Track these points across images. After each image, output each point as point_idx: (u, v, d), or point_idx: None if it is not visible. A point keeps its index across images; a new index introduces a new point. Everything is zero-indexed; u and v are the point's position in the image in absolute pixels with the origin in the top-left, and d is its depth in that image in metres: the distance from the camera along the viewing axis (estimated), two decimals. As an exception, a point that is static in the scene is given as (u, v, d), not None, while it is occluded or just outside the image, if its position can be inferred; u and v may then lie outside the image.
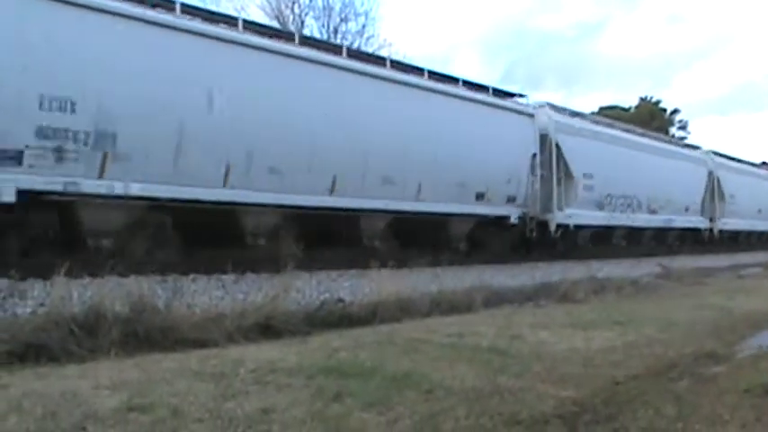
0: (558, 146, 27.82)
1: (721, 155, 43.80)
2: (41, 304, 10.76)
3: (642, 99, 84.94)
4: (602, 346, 10.97)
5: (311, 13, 44.67)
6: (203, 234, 16.68)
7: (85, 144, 14.40)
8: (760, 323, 14.94)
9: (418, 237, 22.40)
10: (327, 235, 19.82)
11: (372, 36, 45.61)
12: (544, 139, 27.46)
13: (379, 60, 22.67)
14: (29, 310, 10.66)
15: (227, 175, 16.78)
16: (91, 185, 14.60)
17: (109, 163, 14.75)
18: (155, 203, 15.72)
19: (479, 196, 24.41)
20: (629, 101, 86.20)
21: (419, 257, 20.01)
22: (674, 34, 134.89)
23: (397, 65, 23.14)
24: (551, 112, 28.63)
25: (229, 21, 18.27)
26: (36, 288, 11.80)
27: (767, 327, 14.79)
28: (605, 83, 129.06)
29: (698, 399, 8.03)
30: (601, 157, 30.11)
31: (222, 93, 16.60)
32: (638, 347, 11.00)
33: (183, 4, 16.71)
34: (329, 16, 44.55)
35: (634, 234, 34.28)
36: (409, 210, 21.63)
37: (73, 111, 14.12)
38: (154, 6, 16.07)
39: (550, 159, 27.58)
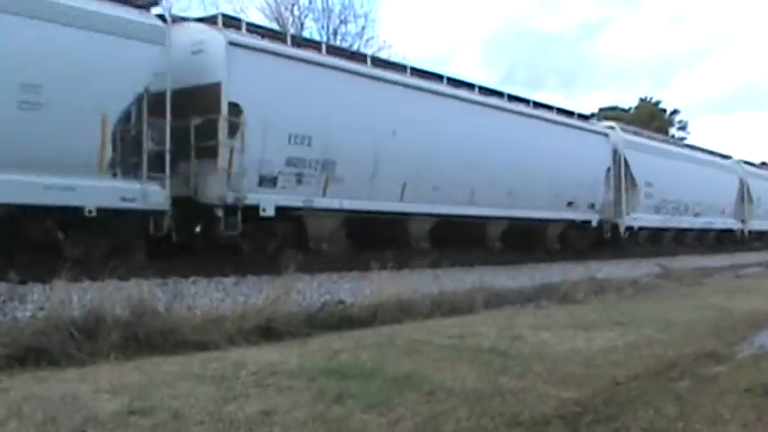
0: (626, 160, 32.93)
1: (749, 163, 48.15)
2: (41, 308, 10.77)
3: (642, 100, 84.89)
4: (602, 346, 10.96)
5: (311, 15, 44.68)
6: (377, 237, 21.61)
7: (315, 170, 19.19)
8: (760, 323, 14.93)
9: (522, 239, 27.01)
10: (462, 238, 24.46)
11: (372, 38, 45.72)
12: (614, 154, 32.45)
13: (470, 87, 26.21)
14: (29, 313, 10.66)
15: (403, 191, 21.91)
16: (320, 202, 19.45)
17: (330, 184, 19.59)
18: (351, 214, 20.58)
19: (569, 204, 29.51)
20: (630, 101, 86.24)
21: (526, 256, 25.54)
22: (674, 35, 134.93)
23: (484, 90, 26.81)
24: (620, 132, 34.14)
25: (398, 67, 24.19)
26: (36, 292, 11.80)
27: (767, 326, 14.80)
28: (606, 83, 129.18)
29: (698, 398, 8.02)
30: (658, 169, 35.27)
31: (401, 125, 21.73)
32: (639, 348, 10.99)
33: (373, 57, 24.99)
34: (329, 18, 44.65)
35: (680, 234, 38.98)
36: (523, 216, 26.70)
37: (309, 144, 18.93)
38: (349, 57, 22.29)
39: (619, 171, 32.60)
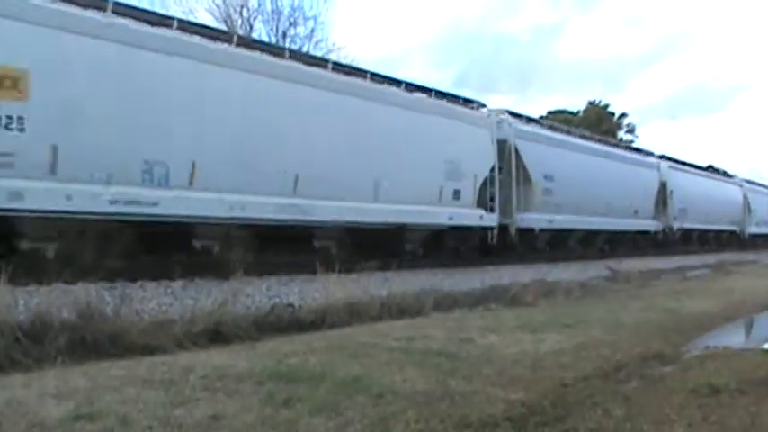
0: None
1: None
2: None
3: (590, 103, 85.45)
4: (551, 348, 11.04)
5: (260, 17, 44.56)
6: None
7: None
8: (706, 324, 15.13)
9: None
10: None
11: (321, 40, 45.61)
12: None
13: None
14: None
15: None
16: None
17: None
18: None
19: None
20: (582, 104, 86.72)
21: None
22: (628, 37, 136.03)
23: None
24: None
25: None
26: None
27: (713, 328, 14.99)
28: (559, 86, 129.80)
29: (646, 399, 8.11)
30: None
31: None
32: (587, 349, 11.08)
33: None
34: (278, 20, 44.51)
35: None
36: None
37: (551, 182, 28.14)
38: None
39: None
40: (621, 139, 70.84)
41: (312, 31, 45.30)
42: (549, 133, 32.67)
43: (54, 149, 14.13)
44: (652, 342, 12.15)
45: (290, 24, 44.84)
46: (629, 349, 11.32)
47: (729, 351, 11.69)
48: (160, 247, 16.41)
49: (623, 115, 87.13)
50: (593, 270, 26.94)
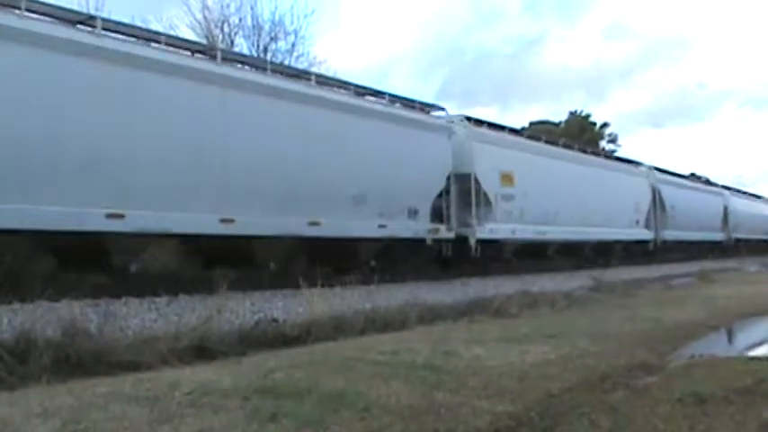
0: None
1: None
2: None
3: (572, 113, 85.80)
4: (536, 359, 11.05)
5: (240, 33, 44.53)
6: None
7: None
8: (691, 333, 15.17)
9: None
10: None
11: (302, 54, 45.57)
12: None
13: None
14: (-44, 337, 10.47)
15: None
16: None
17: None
18: None
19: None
20: (564, 115, 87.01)
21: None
22: (610, 48, 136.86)
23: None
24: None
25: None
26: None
27: (698, 337, 15.03)
28: (541, 97, 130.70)
29: (632, 409, 8.13)
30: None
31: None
32: (573, 360, 11.10)
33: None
34: (259, 35, 44.43)
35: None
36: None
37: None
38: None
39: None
40: (604, 149, 71.08)
41: (293, 45, 45.25)
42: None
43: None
44: (637, 352, 12.18)
45: (271, 39, 44.82)
46: (615, 359, 11.34)
47: (714, 359, 11.74)
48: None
49: (605, 125, 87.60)
50: (577, 280, 27.00)
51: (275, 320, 13.90)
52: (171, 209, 15.91)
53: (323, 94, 21.11)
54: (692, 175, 54.37)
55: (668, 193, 43.30)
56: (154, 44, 17.30)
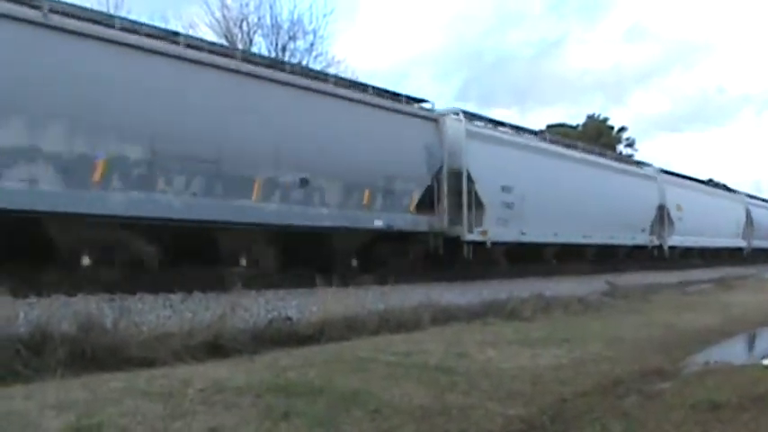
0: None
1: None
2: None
3: (589, 116, 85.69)
4: (549, 363, 11.05)
5: (259, 32, 44.62)
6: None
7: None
8: (706, 340, 15.15)
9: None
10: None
11: (321, 54, 45.63)
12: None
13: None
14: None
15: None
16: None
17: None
18: None
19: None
20: (582, 118, 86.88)
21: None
22: (631, 51, 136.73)
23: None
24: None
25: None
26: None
27: (713, 343, 15.00)
28: (559, 99, 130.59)
29: (645, 415, 8.12)
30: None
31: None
32: (586, 364, 11.10)
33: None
34: (277, 34, 44.50)
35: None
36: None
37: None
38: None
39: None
40: (621, 153, 70.91)
41: (312, 44, 45.31)
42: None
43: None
44: (651, 357, 12.18)
45: (290, 38, 44.89)
46: (629, 364, 11.34)
47: (729, 367, 11.72)
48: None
49: (622, 129, 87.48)
50: (591, 284, 26.91)
51: (289, 319, 13.90)
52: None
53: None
54: (710, 181, 54.24)
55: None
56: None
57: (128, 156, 15.72)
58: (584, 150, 36.37)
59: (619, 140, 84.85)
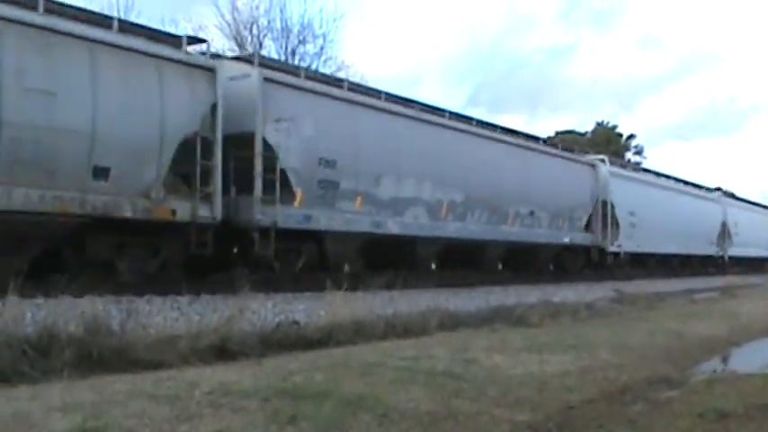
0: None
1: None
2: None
3: (599, 124, 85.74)
4: (556, 370, 11.02)
5: (269, 35, 44.70)
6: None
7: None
8: (713, 348, 15.12)
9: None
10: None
11: (330, 58, 45.73)
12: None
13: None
14: (-20, 330, 10.52)
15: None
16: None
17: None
18: None
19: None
20: (591, 125, 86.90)
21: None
22: (643, 58, 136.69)
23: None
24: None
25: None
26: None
27: (720, 351, 14.96)
28: (570, 106, 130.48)
29: (651, 423, 8.11)
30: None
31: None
32: (593, 371, 11.07)
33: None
34: (287, 38, 44.61)
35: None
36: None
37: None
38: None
39: None
40: (629, 161, 70.88)
41: (321, 48, 45.41)
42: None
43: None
44: (658, 365, 12.15)
45: (300, 42, 44.99)
46: (636, 372, 11.32)
47: (736, 375, 11.70)
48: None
49: (631, 136, 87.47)
50: (599, 291, 26.91)
51: (296, 323, 13.90)
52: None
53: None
54: (718, 189, 54.41)
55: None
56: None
57: (455, 199, 25.91)
58: (675, 180, 47.55)
59: (627, 148, 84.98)
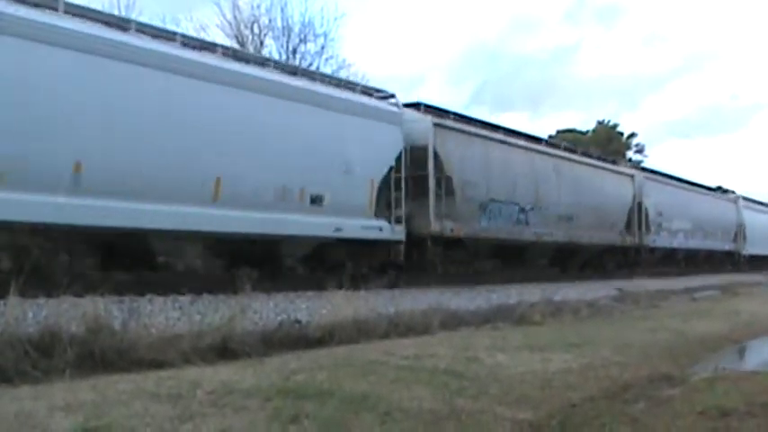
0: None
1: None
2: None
3: (600, 122, 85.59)
4: (558, 368, 11.02)
5: (270, 34, 44.65)
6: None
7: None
8: (714, 346, 15.09)
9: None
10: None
11: (331, 57, 45.67)
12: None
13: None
14: (-18, 330, 10.52)
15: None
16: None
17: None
18: None
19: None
20: (593, 124, 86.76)
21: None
22: (645, 56, 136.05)
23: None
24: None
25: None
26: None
27: (721, 349, 14.95)
28: (572, 104, 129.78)
29: (653, 421, 8.09)
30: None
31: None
32: (595, 369, 11.07)
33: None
34: (288, 37, 44.50)
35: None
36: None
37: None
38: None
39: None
40: (630, 159, 70.89)
41: (322, 47, 45.34)
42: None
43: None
44: (660, 363, 12.14)
45: (301, 41, 44.91)
46: (637, 370, 11.30)
47: (738, 373, 11.68)
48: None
49: (632, 135, 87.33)
50: (601, 290, 26.91)
51: (298, 322, 13.90)
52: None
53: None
54: (719, 188, 54.55)
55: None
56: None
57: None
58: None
59: (628, 146, 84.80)
